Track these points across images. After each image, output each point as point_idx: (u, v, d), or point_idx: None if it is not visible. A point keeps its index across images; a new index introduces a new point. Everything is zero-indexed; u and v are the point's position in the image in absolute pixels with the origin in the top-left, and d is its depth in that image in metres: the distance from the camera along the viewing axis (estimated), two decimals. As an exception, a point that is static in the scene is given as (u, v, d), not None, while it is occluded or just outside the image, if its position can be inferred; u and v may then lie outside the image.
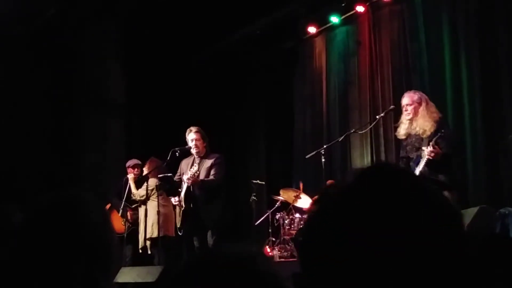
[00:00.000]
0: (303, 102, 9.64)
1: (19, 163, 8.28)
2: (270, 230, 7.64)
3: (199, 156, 6.60)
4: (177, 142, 7.30)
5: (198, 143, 6.56)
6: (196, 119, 9.63)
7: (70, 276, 1.40)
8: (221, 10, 8.60)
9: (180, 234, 6.59)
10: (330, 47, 9.28)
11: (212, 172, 6.46)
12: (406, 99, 5.78)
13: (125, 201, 7.32)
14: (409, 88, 7.60)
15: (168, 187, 7.29)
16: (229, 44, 9.75)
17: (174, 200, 6.58)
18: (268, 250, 7.34)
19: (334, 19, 8.91)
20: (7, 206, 1.83)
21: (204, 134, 6.64)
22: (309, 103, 9.54)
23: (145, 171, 7.23)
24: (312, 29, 9.27)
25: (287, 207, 7.75)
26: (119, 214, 7.32)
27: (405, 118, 5.90)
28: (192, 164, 6.55)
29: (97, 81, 9.16)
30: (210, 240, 6.40)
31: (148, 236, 6.95)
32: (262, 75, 10.14)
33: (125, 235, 7.25)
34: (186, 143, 6.95)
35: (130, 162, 7.66)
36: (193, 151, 6.60)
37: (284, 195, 7.72)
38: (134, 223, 7.39)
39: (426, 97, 5.86)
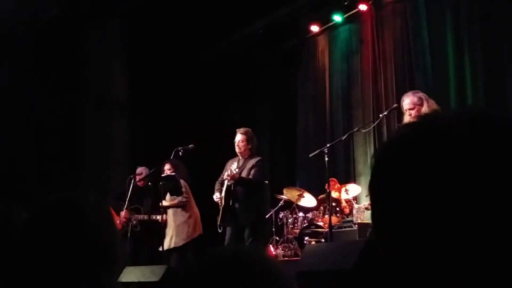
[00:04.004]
0: (306, 101, 9.65)
1: (23, 163, 8.29)
2: (273, 229, 7.64)
3: (243, 157, 6.78)
4: (180, 141, 7.31)
5: (241, 144, 6.73)
6: (199, 119, 9.69)
7: (74, 276, 1.41)
8: (223, 10, 8.60)
9: (219, 231, 6.71)
10: (333, 45, 9.28)
11: (252, 172, 6.61)
12: (407, 104, 5.69)
13: (128, 201, 7.33)
14: (412, 87, 7.59)
15: (172, 186, 7.32)
16: (231, 43, 9.75)
17: (215, 197, 6.72)
18: (272, 249, 7.34)
19: (337, 18, 8.90)
20: (11, 206, 1.83)
21: (250, 137, 6.79)
22: (312, 102, 9.54)
23: (167, 172, 7.30)
24: (314, 28, 9.27)
25: (290, 206, 7.76)
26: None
27: (408, 120, 5.87)
28: (236, 164, 6.73)
29: (100, 81, 9.17)
30: (246, 239, 6.51)
31: (168, 246, 7.16)
32: (265, 74, 10.14)
33: (128, 235, 7.27)
34: (189, 143, 7.10)
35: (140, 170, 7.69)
36: (237, 151, 6.79)
37: (288, 194, 7.72)
38: (126, 224, 7.39)
39: (425, 95, 5.80)
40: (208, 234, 7.20)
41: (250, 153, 6.75)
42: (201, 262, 0.90)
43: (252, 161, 6.67)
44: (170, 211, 7.32)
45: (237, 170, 6.55)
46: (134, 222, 7.41)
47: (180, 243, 7.15)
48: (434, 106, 5.74)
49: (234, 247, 0.92)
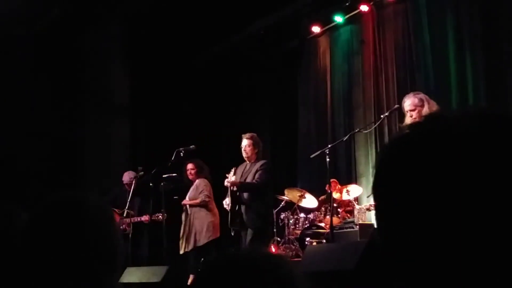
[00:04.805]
0: (308, 101, 9.64)
1: (24, 164, 8.29)
2: (275, 230, 7.63)
3: (249, 162, 6.83)
4: (181, 142, 7.32)
5: (247, 149, 6.78)
6: (200, 120, 9.69)
7: (74, 276, 1.40)
8: (224, 11, 8.60)
9: (232, 234, 6.83)
10: (334, 46, 9.27)
11: (256, 176, 6.67)
12: (408, 105, 5.66)
13: (129, 202, 7.33)
14: (413, 87, 7.58)
15: (173, 187, 7.32)
16: (233, 44, 9.75)
17: (224, 202, 6.82)
18: (273, 250, 7.33)
19: (338, 19, 8.89)
20: (12, 206, 1.83)
21: (256, 141, 6.84)
22: (313, 102, 9.54)
23: (190, 171, 7.37)
24: (316, 29, 9.27)
25: (291, 206, 7.75)
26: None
27: (409, 121, 5.86)
28: (244, 169, 6.81)
29: (101, 82, 9.17)
30: (248, 239, 6.57)
31: (189, 246, 7.22)
32: (266, 75, 10.13)
33: (129, 235, 7.27)
34: (190, 144, 7.15)
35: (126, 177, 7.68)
36: (244, 156, 6.83)
37: (289, 195, 7.72)
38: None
39: (426, 96, 5.78)
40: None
41: (256, 157, 6.81)
42: (219, 264, 0.90)
43: (257, 165, 6.73)
44: (191, 211, 7.33)
45: (234, 177, 6.62)
46: (123, 226, 7.39)
47: (203, 242, 7.19)
48: (435, 107, 5.71)
49: (249, 249, 0.93)
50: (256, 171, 6.69)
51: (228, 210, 6.72)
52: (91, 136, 9.03)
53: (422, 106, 5.63)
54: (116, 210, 7.32)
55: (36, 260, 1.42)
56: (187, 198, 7.47)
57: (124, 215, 7.34)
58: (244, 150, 6.79)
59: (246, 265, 0.88)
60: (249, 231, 6.56)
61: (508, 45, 6.81)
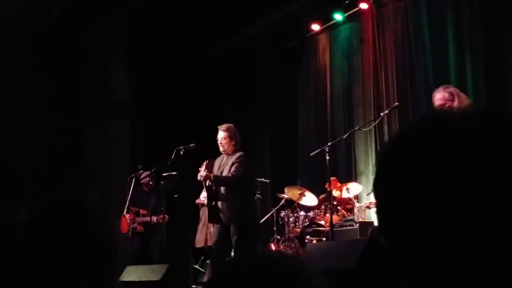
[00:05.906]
0: (307, 99, 9.65)
1: (23, 163, 8.29)
2: (275, 228, 7.64)
3: (226, 154, 6.62)
4: (181, 141, 7.32)
5: (223, 142, 6.57)
6: (201, 119, 9.69)
7: (74, 276, 1.41)
8: (224, 9, 8.60)
9: (212, 230, 6.83)
10: (333, 44, 9.28)
11: (232, 169, 6.46)
12: (438, 99, 5.42)
13: (129, 201, 7.34)
14: (413, 85, 7.60)
15: (173, 186, 7.32)
16: (232, 43, 9.75)
17: (202, 197, 6.70)
18: (273, 248, 7.34)
19: (338, 17, 8.90)
20: (12, 206, 1.83)
21: (233, 134, 6.60)
22: (313, 100, 9.55)
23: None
24: (315, 27, 9.28)
25: (291, 205, 7.77)
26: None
27: None
28: (221, 162, 6.63)
29: (101, 82, 9.16)
30: (232, 237, 6.39)
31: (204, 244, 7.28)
32: (266, 74, 10.13)
33: (129, 235, 7.29)
34: (190, 143, 7.06)
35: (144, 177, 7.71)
36: (220, 149, 6.64)
37: (289, 193, 7.73)
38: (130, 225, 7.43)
39: (456, 90, 5.49)
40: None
41: (234, 149, 6.57)
42: (234, 265, 0.91)
43: (234, 158, 6.50)
44: (203, 211, 7.31)
45: (206, 172, 6.36)
46: (135, 225, 7.43)
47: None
48: (466, 101, 5.44)
49: (263, 252, 0.94)
50: (232, 164, 6.45)
51: (205, 205, 6.58)
52: (91, 136, 9.02)
53: (453, 100, 5.38)
54: (132, 209, 7.38)
55: (36, 260, 1.43)
56: (201, 197, 7.41)
57: (125, 212, 7.36)
58: (220, 143, 6.55)
59: (261, 267, 0.87)
60: (232, 228, 6.36)
61: (508, 45, 6.81)
